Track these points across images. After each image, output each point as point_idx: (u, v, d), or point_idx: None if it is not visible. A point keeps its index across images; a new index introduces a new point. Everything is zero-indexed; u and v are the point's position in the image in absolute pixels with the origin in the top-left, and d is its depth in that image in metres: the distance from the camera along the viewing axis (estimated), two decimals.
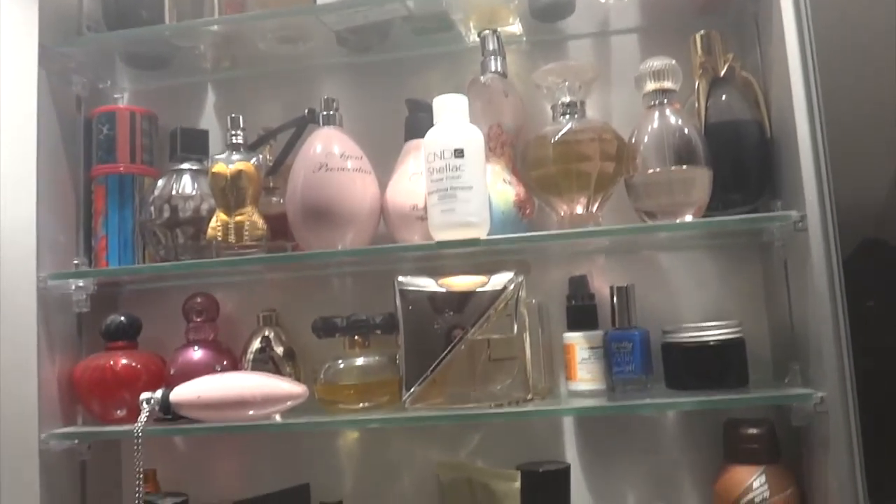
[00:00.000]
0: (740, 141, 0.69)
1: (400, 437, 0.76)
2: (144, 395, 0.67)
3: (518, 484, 0.67)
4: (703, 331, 0.65)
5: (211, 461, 0.78)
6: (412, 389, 0.65)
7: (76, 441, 0.70)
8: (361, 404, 0.67)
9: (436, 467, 0.73)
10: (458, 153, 0.65)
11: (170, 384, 0.69)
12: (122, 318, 0.74)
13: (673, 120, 0.66)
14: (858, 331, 0.59)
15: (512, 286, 0.66)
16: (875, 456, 0.57)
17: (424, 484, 0.74)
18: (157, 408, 0.67)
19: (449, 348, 0.65)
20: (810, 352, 0.61)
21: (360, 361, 0.68)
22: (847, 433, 0.57)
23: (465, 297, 0.66)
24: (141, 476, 0.66)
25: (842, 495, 0.58)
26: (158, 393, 0.68)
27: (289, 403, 0.67)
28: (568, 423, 0.74)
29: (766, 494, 0.63)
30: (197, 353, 0.73)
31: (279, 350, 0.74)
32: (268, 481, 0.74)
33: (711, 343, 0.65)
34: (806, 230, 0.60)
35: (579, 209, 0.69)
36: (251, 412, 0.66)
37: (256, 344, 0.74)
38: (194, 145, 0.78)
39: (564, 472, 0.68)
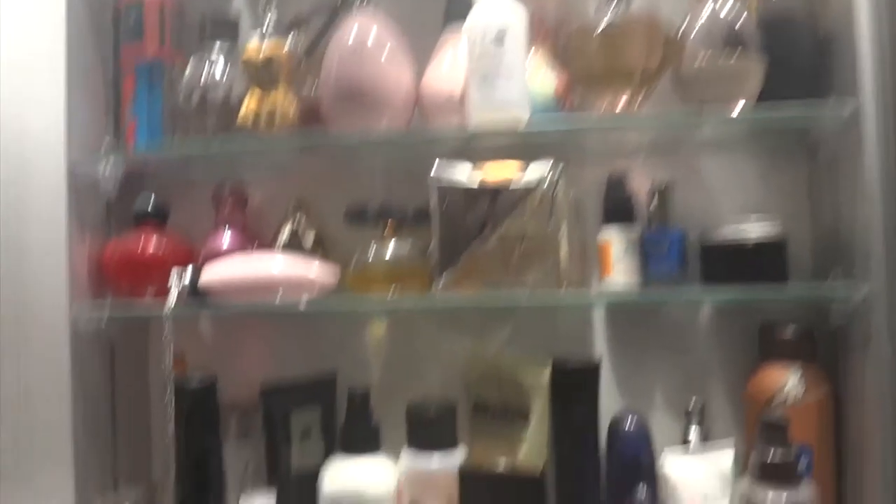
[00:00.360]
0: (793, 36, 0.66)
1: (428, 329, 0.76)
2: (174, 275, 0.68)
3: (547, 376, 0.67)
4: (743, 229, 0.64)
5: (238, 346, 0.79)
6: (444, 277, 0.65)
7: (105, 320, 0.70)
8: (391, 292, 0.67)
9: (463, 360, 0.73)
10: (500, 35, 0.63)
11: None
12: (153, 198, 0.73)
13: (725, 10, 0.64)
14: None
15: (549, 178, 0.65)
16: None
17: (451, 376, 0.74)
18: (186, 288, 0.68)
19: (482, 237, 0.64)
20: (855, 253, 0.60)
21: (391, 249, 0.68)
22: (890, 331, 0.56)
23: (501, 186, 0.64)
24: (170, 356, 0.67)
25: (879, 395, 0.57)
26: (188, 274, 0.68)
27: (318, 288, 0.67)
28: (599, 319, 0.73)
29: (801, 393, 0.62)
30: (227, 240, 0.73)
31: (309, 239, 0.73)
32: (295, 368, 0.74)
33: (751, 242, 0.63)
34: (859, 125, 0.58)
35: (621, 104, 0.67)
36: (280, 295, 0.67)
37: (286, 232, 0.73)
38: (225, 31, 0.76)
39: (594, 369, 0.67)
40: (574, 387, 0.66)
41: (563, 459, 0.66)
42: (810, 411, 0.63)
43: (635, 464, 0.64)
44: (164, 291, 0.68)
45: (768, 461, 0.59)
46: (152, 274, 0.71)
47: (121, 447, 0.76)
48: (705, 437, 0.65)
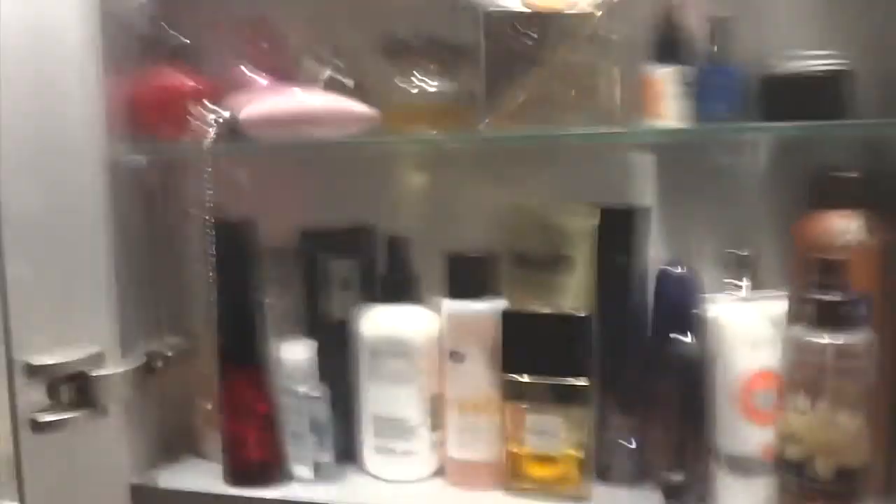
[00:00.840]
0: None
1: (468, 177, 0.73)
2: (211, 113, 0.66)
3: (593, 220, 0.65)
4: (806, 63, 0.59)
5: (273, 192, 0.76)
6: (489, 113, 0.62)
7: (144, 160, 0.69)
8: (433, 130, 0.64)
9: (505, 207, 0.71)
10: None
11: None
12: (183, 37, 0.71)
13: None
14: None
15: (603, 10, 0.61)
16: None
17: (493, 224, 0.72)
18: (224, 126, 0.66)
19: (531, 69, 0.61)
20: None
21: (432, 85, 0.65)
22: None
23: (551, 17, 0.61)
24: (210, 197, 0.66)
25: None
26: (225, 110, 0.66)
27: (357, 125, 0.65)
28: (648, 163, 0.70)
29: (863, 238, 0.60)
30: (259, 77, 0.69)
31: (349, 81, 0.70)
32: (331, 217, 0.73)
33: (814, 75, 0.59)
34: None
35: None
36: (320, 132, 0.64)
37: (325, 73, 0.70)
38: None
39: (645, 212, 0.65)
40: (623, 230, 0.64)
41: (609, 304, 0.65)
42: (871, 257, 0.60)
43: (683, 310, 0.63)
44: (201, 129, 0.66)
45: (825, 302, 0.57)
46: (186, 113, 0.68)
47: (162, 295, 0.76)
48: (756, 287, 0.63)
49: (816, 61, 0.60)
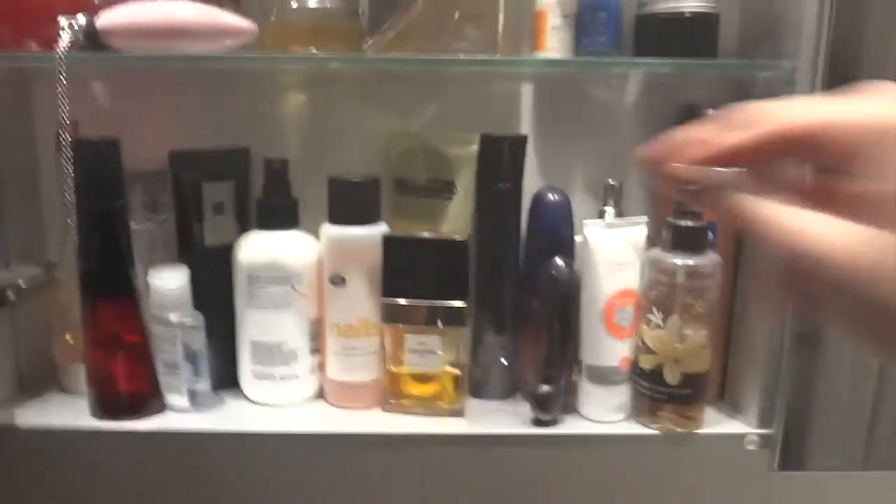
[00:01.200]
0: None
1: (350, 102, 0.72)
2: (65, 18, 0.60)
3: (475, 147, 0.67)
4: (677, 1, 0.63)
5: (140, 113, 0.72)
6: (374, 36, 0.61)
7: None
8: (314, 49, 0.62)
9: (387, 138, 0.71)
10: None
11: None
12: None
13: None
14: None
15: None
16: None
17: (373, 153, 0.72)
18: (80, 34, 0.60)
19: None
20: (784, 31, 0.61)
21: (316, 2, 0.62)
22: None
23: None
24: (66, 112, 0.61)
25: None
26: (82, 17, 0.60)
27: (232, 40, 0.61)
28: (527, 94, 0.72)
29: None
30: None
31: None
32: (204, 141, 0.69)
33: (686, 14, 0.63)
34: None
35: None
36: (190, 45, 0.60)
37: None
38: None
39: (522, 140, 0.67)
40: (500, 158, 0.66)
41: (486, 229, 0.68)
42: None
43: (555, 235, 0.66)
44: (53, 39, 0.60)
45: (679, 227, 0.62)
46: (37, 19, 0.61)
47: (9, 222, 0.70)
48: (621, 214, 0.68)
49: (686, 3, 0.63)
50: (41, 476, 0.82)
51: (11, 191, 0.70)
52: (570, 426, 0.66)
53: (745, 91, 0.65)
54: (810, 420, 0.68)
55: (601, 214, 0.68)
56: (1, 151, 0.68)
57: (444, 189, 0.68)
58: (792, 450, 0.66)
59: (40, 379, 0.72)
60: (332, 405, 0.69)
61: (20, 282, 0.68)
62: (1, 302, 0.66)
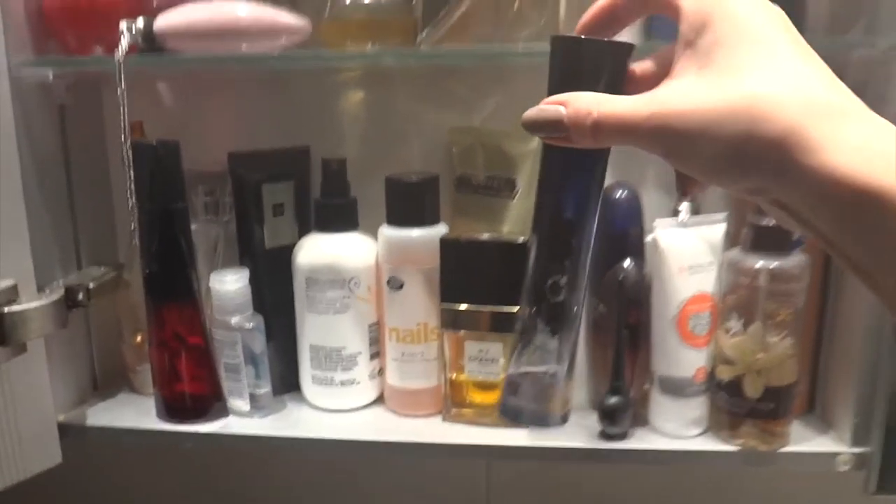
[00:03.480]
0: None
1: (408, 98, 0.69)
2: (124, 22, 0.60)
3: (537, 143, 0.63)
4: None
5: (201, 114, 0.72)
6: (430, 28, 0.58)
7: (50, 73, 0.63)
8: (371, 45, 0.60)
9: (447, 133, 0.68)
10: None
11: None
12: None
13: None
14: None
15: None
16: None
17: (434, 149, 0.69)
18: (139, 37, 0.60)
19: None
20: (880, 5, 0.55)
21: None
22: None
23: None
24: (125, 114, 0.61)
25: None
26: (141, 20, 0.60)
27: (287, 38, 0.60)
28: None
29: None
30: None
31: None
32: (263, 141, 0.69)
33: None
34: None
35: None
36: (246, 45, 0.59)
37: None
38: None
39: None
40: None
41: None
42: None
43: (624, 235, 0.62)
44: (116, 44, 0.60)
45: (760, 227, 0.57)
46: (100, 24, 0.62)
47: (81, 223, 0.72)
48: (696, 212, 0.63)
49: None
50: (108, 474, 0.85)
51: (84, 193, 0.71)
52: (640, 441, 0.62)
53: (837, 72, 0.59)
54: None
55: (675, 212, 0.63)
56: (73, 154, 0.70)
57: (506, 187, 0.65)
58: (891, 470, 0.59)
59: (112, 379, 0.74)
60: (392, 411, 0.68)
61: (90, 284, 0.69)
62: (73, 304, 0.67)
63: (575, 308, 0.37)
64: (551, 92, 0.33)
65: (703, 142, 0.27)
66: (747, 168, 0.27)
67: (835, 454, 0.60)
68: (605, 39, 0.34)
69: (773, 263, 0.57)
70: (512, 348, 0.39)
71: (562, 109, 0.31)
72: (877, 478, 0.59)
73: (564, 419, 0.65)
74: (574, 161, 0.35)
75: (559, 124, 0.31)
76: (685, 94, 0.28)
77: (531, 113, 0.32)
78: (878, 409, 0.58)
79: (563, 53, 0.34)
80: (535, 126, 0.32)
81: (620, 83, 0.33)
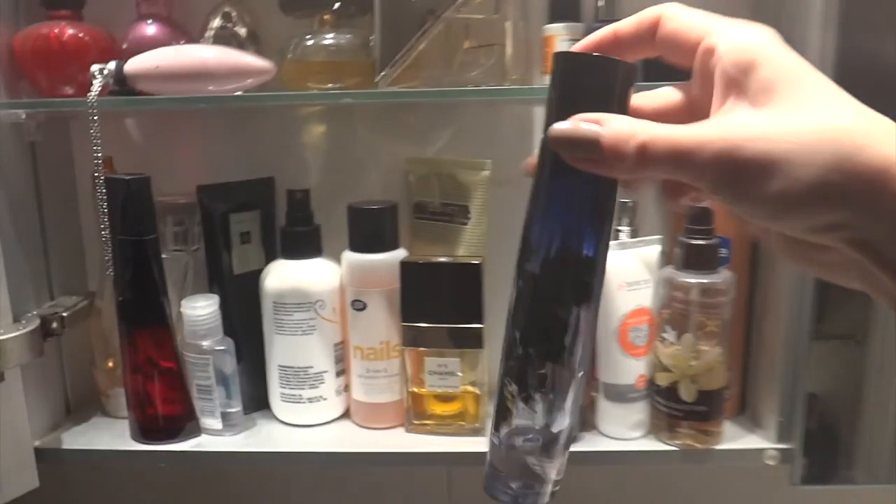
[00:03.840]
0: None
1: (367, 131, 0.74)
2: (96, 66, 0.64)
3: (488, 172, 0.68)
4: None
5: (170, 148, 0.76)
6: (386, 69, 0.63)
7: (23, 114, 0.66)
8: (331, 84, 0.65)
9: (404, 163, 0.73)
10: None
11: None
12: None
13: None
14: None
15: None
16: None
17: (392, 179, 0.74)
18: (111, 79, 0.64)
19: (426, 27, 0.62)
20: None
21: (330, 39, 0.65)
22: None
23: None
24: (98, 153, 0.64)
25: None
26: (112, 63, 0.64)
27: (252, 80, 0.64)
28: (539, 117, 0.73)
29: None
30: (151, 29, 0.67)
31: (242, 30, 0.69)
32: (230, 173, 0.72)
33: None
34: None
35: None
36: (212, 87, 0.63)
37: (217, 21, 0.68)
38: None
39: None
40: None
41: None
42: None
43: None
44: (86, 87, 0.63)
45: (691, 246, 0.63)
46: (71, 67, 0.66)
47: (52, 255, 0.74)
48: (636, 234, 0.69)
49: None
50: (86, 495, 0.87)
51: (54, 225, 0.74)
52: (588, 443, 0.68)
53: None
54: (832, 434, 0.68)
55: (615, 234, 0.69)
56: (44, 189, 0.72)
57: (459, 213, 0.70)
58: (812, 464, 0.66)
59: (85, 403, 0.77)
60: (358, 425, 0.72)
61: (63, 312, 0.72)
62: (47, 333, 0.70)
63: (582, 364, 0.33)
64: (554, 114, 0.30)
65: (784, 171, 0.25)
66: (835, 200, 0.25)
67: (762, 450, 0.66)
68: (615, 58, 0.30)
69: (703, 280, 0.63)
70: (498, 406, 0.34)
71: (598, 128, 0.28)
72: (800, 471, 0.65)
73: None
74: (587, 192, 0.31)
75: (595, 144, 0.28)
76: (755, 124, 0.26)
77: (564, 127, 0.29)
78: (798, 410, 0.65)
79: (570, 71, 0.30)
80: (567, 143, 0.29)
81: (627, 107, 0.30)
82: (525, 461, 0.33)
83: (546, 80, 0.66)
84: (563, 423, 0.33)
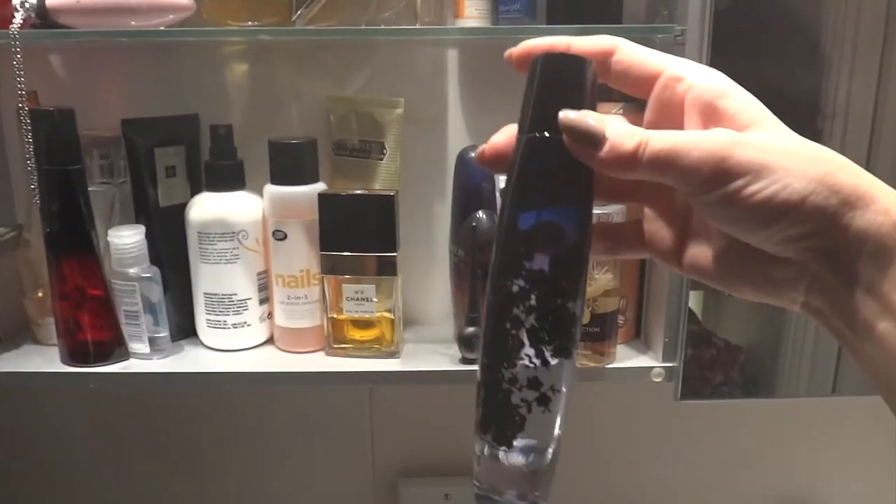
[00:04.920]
0: None
1: (289, 70, 0.77)
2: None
3: (401, 111, 0.73)
4: None
5: (94, 84, 0.77)
6: (302, 8, 0.66)
7: None
8: (251, 22, 0.67)
9: (325, 101, 0.77)
10: None
11: None
12: None
13: None
14: None
15: None
16: None
17: (313, 117, 0.77)
18: (32, 13, 0.65)
19: None
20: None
21: None
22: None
23: None
24: (22, 86, 0.66)
25: None
26: None
27: (173, 15, 0.66)
28: (452, 61, 0.78)
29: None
30: None
31: None
32: (154, 109, 0.75)
33: None
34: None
35: None
36: (134, 22, 0.66)
37: None
38: None
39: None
40: None
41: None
42: None
43: (477, 189, 0.72)
44: (7, 19, 0.65)
45: None
46: None
47: None
48: None
49: None
50: (20, 419, 0.90)
51: None
52: None
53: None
54: (709, 354, 0.75)
55: None
56: None
57: (376, 149, 0.74)
58: (691, 381, 0.73)
59: (15, 333, 0.79)
60: (281, 350, 0.76)
61: None
62: None
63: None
64: (533, 109, 0.31)
65: (777, 177, 0.28)
66: (815, 210, 0.28)
67: (650, 368, 0.73)
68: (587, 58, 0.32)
69: (598, 210, 0.69)
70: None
71: (604, 124, 0.30)
72: (680, 387, 0.73)
73: None
74: (581, 181, 0.31)
75: (598, 135, 0.29)
76: (746, 135, 0.29)
77: (571, 115, 0.30)
78: (680, 332, 0.72)
79: (551, 70, 0.31)
80: (572, 129, 0.30)
81: (596, 107, 0.32)
82: (536, 469, 0.32)
83: (459, 24, 0.71)
84: (564, 423, 0.32)
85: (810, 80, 0.69)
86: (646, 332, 0.78)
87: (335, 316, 0.74)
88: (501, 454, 0.32)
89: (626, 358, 0.75)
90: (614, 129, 0.29)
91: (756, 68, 0.66)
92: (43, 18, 0.66)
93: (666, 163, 0.29)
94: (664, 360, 0.73)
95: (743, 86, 0.31)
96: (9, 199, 0.80)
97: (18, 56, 0.65)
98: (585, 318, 0.70)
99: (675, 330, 0.72)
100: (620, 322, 0.74)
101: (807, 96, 0.70)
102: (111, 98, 0.78)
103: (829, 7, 0.68)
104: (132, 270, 0.71)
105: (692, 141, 0.29)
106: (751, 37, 0.66)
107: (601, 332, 0.71)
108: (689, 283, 0.70)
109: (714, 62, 0.57)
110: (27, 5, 0.65)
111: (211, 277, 0.74)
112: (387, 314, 0.73)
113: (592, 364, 0.72)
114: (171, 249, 0.75)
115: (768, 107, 0.31)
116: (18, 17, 0.65)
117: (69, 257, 0.72)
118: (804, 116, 0.69)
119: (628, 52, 0.33)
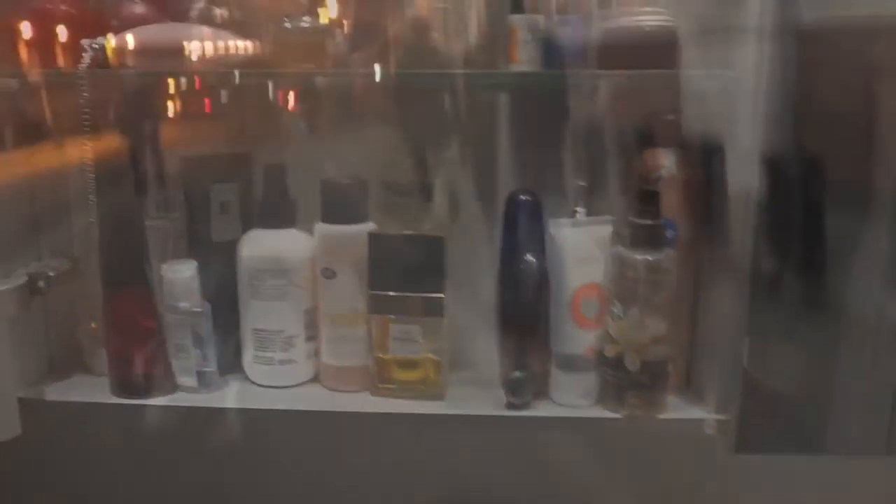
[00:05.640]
0: None
1: (341, 111, 0.79)
2: (86, 42, 0.68)
3: (451, 152, 0.73)
4: (639, 16, 0.68)
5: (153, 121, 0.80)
6: (356, 50, 0.67)
7: (15, 82, 0.70)
8: (307, 64, 0.69)
9: (375, 140, 0.77)
10: None
11: None
12: None
13: None
14: None
15: None
16: None
17: (364, 155, 0.77)
18: (100, 52, 0.68)
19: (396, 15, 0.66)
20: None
21: (307, 20, 0.68)
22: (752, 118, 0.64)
23: None
24: (87, 123, 0.69)
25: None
26: (101, 39, 0.68)
27: (236, 58, 0.68)
28: (503, 105, 0.78)
29: (674, 171, 0.71)
30: (140, 8, 0.72)
31: (223, 14, 0.73)
32: (210, 146, 0.77)
33: (645, 30, 0.68)
34: None
35: None
36: (201, 63, 0.68)
37: (200, 6, 0.73)
38: None
39: None
40: None
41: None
42: (679, 187, 0.71)
43: (528, 232, 0.72)
44: (77, 58, 0.68)
45: (639, 226, 0.68)
46: (60, 37, 0.70)
47: (41, 220, 0.78)
48: (590, 213, 0.73)
49: (646, 17, 0.68)
50: (65, 447, 0.90)
51: (44, 194, 0.78)
52: (540, 410, 0.72)
53: (699, 99, 0.70)
54: (767, 407, 0.73)
55: (573, 214, 0.73)
56: (31, 153, 0.76)
57: (426, 191, 0.74)
58: (747, 435, 0.70)
59: (68, 362, 0.80)
60: (326, 388, 0.76)
61: (50, 272, 0.76)
62: (33, 290, 0.74)
63: None
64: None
65: None
66: None
67: (702, 420, 0.70)
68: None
69: (649, 257, 0.67)
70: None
71: None
72: (734, 440, 0.70)
73: None
74: None
75: None
76: None
77: None
78: (734, 385, 0.69)
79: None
80: None
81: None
82: None
83: (511, 69, 0.71)
84: None
85: None
86: (697, 382, 0.75)
87: (381, 355, 0.73)
88: None
89: (678, 409, 0.72)
90: None
91: None
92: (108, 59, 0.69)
93: None
94: (717, 413, 0.70)
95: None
96: (67, 230, 0.82)
97: (85, 95, 0.68)
98: (635, 366, 0.69)
99: (728, 383, 0.69)
100: (670, 371, 0.73)
101: None
102: (172, 135, 0.80)
103: None
104: (183, 305, 0.72)
105: None
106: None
107: (652, 382, 0.69)
108: (745, 330, 0.68)
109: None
110: (95, 47, 0.68)
111: (260, 313, 0.74)
112: (431, 356, 0.73)
113: (644, 414, 0.70)
114: (221, 285, 0.76)
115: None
116: (87, 58, 0.67)
117: (124, 290, 0.74)
118: None
119: None
